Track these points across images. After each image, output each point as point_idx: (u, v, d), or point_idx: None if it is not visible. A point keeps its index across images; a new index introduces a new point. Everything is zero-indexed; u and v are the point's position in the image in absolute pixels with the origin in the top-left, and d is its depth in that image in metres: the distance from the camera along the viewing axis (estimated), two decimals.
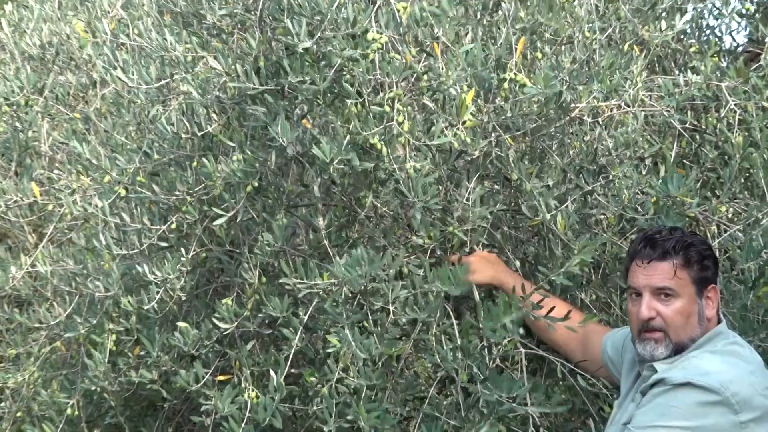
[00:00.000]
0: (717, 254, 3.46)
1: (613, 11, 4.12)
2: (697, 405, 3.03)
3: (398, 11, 3.53)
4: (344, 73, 3.59)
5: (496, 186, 4.19)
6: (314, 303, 3.82)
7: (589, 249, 3.45)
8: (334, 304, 3.70)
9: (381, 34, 3.46)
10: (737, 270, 3.91)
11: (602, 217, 4.07)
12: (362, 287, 3.70)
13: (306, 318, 3.83)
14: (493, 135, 3.80)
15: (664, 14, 4.32)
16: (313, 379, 3.91)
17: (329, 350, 3.70)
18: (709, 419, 3.03)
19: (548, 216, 3.78)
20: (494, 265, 3.94)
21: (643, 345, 3.30)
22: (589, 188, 4.00)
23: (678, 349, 3.25)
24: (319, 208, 3.91)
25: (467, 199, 3.82)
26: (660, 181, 3.73)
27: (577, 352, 3.86)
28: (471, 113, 3.54)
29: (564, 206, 3.86)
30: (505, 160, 3.86)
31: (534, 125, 3.80)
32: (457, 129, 3.50)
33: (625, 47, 4.25)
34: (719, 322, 3.33)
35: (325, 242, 3.88)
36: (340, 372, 3.71)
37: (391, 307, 3.66)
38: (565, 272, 3.52)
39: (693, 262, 3.26)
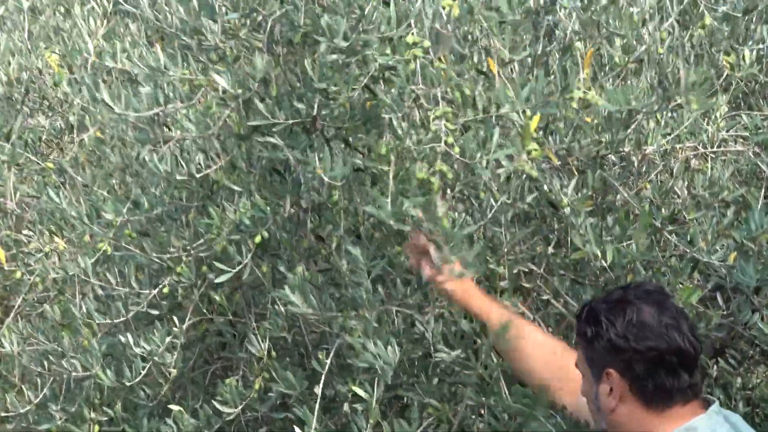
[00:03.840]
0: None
1: (699, 21, 3.94)
2: None
3: (443, 9, 3.33)
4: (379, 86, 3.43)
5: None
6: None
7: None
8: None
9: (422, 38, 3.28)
10: None
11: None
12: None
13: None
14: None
15: (750, 42, 4.14)
16: None
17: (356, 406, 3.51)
18: None
19: (597, 251, 3.61)
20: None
21: None
22: (658, 225, 3.84)
23: None
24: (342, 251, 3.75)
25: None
26: (744, 221, 3.59)
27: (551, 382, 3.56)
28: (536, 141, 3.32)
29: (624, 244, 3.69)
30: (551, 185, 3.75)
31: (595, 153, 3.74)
32: (523, 160, 3.26)
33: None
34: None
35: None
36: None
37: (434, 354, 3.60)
38: None
39: (584, 337, 3.05)
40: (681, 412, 2.92)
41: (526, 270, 4.00)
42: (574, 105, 3.37)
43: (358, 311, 3.56)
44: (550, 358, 3.44)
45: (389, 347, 3.39)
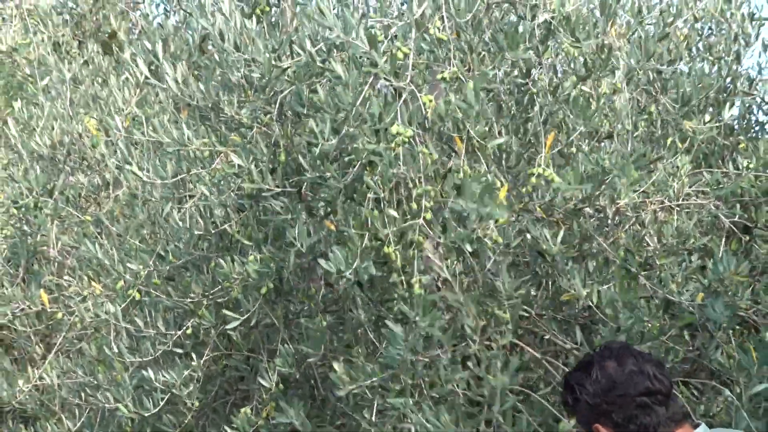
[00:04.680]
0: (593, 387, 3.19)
1: (653, 102, 4.23)
2: None
3: (424, 104, 3.65)
4: (366, 171, 3.71)
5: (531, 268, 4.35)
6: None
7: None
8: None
9: (406, 128, 3.58)
10: None
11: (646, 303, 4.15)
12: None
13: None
14: (526, 219, 4.00)
15: (709, 108, 4.42)
16: None
17: None
18: None
19: (584, 292, 3.90)
20: None
21: None
22: (634, 272, 4.09)
23: None
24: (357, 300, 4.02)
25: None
26: (712, 264, 3.86)
27: None
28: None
29: (605, 287, 3.99)
30: (539, 236, 3.98)
31: (572, 209, 3.99)
32: (488, 229, 3.60)
33: (668, 142, 4.37)
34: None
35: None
36: None
37: (459, 389, 3.75)
38: None
39: (567, 405, 3.20)
40: None
41: (526, 314, 4.24)
42: (533, 181, 3.71)
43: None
44: None
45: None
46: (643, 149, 4.10)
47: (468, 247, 3.63)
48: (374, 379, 3.72)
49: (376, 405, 3.84)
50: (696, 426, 3.12)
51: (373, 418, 3.85)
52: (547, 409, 3.98)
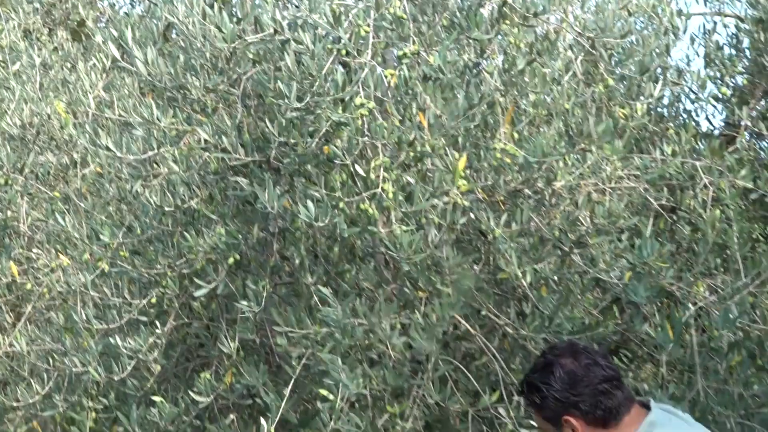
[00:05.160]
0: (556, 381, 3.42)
1: (600, 80, 4.44)
2: None
3: (386, 77, 3.90)
4: (330, 138, 3.97)
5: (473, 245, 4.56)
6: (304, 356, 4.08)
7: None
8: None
9: (368, 99, 3.83)
10: (714, 343, 4.22)
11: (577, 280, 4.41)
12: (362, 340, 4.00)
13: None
14: (470, 199, 4.18)
15: (641, 97, 4.67)
16: None
17: (324, 403, 3.95)
18: None
19: (518, 271, 4.13)
20: None
21: None
22: (567, 250, 4.35)
23: None
24: (306, 266, 4.22)
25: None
26: (637, 248, 4.10)
27: None
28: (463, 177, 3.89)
29: (539, 265, 4.24)
30: (483, 219, 4.21)
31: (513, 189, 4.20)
32: (453, 193, 3.83)
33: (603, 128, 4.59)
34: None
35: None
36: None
37: (392, 352, 3.97)
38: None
39: (534, 405, 3.43)
40: (631, 419, 3.34)
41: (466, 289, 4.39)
42: (498, 155, 3.95)
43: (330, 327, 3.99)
44: None
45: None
46: (579, 134, 4.34)
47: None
48: (310, 331, 3.96)
49: (305, 358, 4.07)
50: (642, 403, 3.42)
51: (298, 369, 4.07)
52: (479, 379, 4.24)
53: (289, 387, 4.10)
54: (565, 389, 3.35)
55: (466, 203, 4.00)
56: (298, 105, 3.82)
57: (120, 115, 4.20)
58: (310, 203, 3.84)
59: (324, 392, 3.92)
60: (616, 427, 3.37)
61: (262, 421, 3.97)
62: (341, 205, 3.89)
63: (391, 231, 3.89)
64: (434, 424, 4.33)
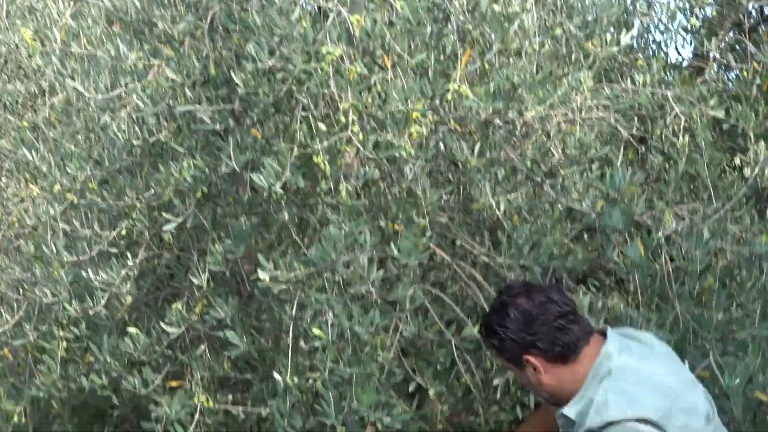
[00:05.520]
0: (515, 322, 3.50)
1: (559, 24, 4.42)
2: None
3: (352, 24, 3.88)
4: (295, 88, 3.93)
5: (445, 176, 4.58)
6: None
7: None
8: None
9: (335, 47, 3.81)
10: (688, 266, 4.22)
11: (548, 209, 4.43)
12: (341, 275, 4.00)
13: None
14: (440, 130, 4.22)
15: (610, 28, 4.64)
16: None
17: (316, 344, 3.95)
18: None
19: (492, 201, 4.17)
20: None
21: None
22: (539, 181, 4.38)
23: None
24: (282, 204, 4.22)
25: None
26: (609, 176, 4.13)
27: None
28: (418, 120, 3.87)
29: (512, 195, 4.29)
30: (455, 148, 4.23)
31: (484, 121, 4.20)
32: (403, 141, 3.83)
33: (572, 59, 4.58)
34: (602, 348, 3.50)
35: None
36: (331, 362, 3.93)
37: (372, 288, 3.97)
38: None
39: (494, 347, 3.52)
40: (590, 350, 3.41)
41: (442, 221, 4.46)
42: (449, 97, 3.94)
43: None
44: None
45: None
46: (549, 66, 4.32)
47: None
48: (297, 273, 3.92)
49: (297, 300, 4.04)
50: (602, 332, 3.48)
51: (293, 312, 4.07)
52: (453, 309, 4.25)
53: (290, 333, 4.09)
54: (520, 330, 3.42)
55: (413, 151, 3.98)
56: (270, 62, 3.81)
57: (86, 48, 4.15)
58: (268, 164, 3.82)
59: (317, 331, 3.92)
60: (576, 361, 3.42)
61: (276, 375, 4.02)
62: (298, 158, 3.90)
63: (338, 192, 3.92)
64: (408, 350, 4.34)
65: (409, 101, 3.85)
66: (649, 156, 4.68)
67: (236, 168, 3.99)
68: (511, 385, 4.44)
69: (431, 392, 4.24)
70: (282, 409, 3.99)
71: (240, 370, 4.42)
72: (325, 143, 3.86)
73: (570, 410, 3.39)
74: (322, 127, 3.89)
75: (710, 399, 3.47)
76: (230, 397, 4.55)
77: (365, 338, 3.92)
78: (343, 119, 3.84)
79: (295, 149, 3.84)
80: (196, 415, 4.15)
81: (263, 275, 3.94)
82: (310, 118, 3.93)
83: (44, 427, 5.03)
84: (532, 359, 3.43)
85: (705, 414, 3.36)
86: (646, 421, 3.20)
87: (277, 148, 3.91)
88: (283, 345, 4.31)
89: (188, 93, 4.03)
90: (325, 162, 3.85)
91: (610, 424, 3.22)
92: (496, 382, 4.24)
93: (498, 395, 4.29)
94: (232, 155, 3.96)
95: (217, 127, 4.07)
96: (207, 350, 4.44)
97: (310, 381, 4.04)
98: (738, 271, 4.32)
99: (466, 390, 4.38)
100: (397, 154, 3.95)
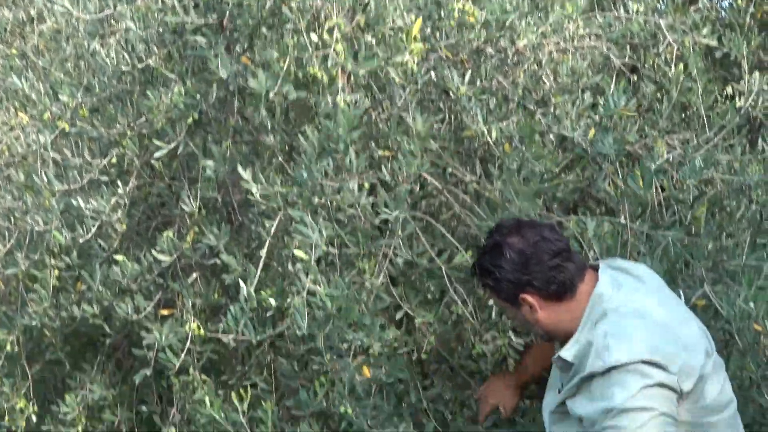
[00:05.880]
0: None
1: None
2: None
3: None
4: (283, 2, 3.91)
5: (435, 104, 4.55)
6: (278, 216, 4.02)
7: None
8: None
9: None
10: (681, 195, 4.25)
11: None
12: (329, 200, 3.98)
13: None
14: (433, 58, 4.20)
15: None
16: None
17: (298, 266, 3.91)
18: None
19: (484, 128, 4.12)
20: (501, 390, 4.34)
21: None
22: (531, 109, 4.38)
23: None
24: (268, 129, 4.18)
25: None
26: (602, 102, 4.14)
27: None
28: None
29: (503, 123, 4.24)
30: (446, 77, 4.20)
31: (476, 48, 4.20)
32: (404, 58, 3.79)
33: None
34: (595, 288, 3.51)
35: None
36: (311, 284, 3.88)
37: (359, 212, 3.98)
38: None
39: (489, 287, 3.54)
40: (585, 287, 3.44)
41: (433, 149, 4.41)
42: (456, 15, 3.91)
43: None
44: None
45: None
46: None
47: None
48: (282, 190, 3.92)
49: (278, 218, 4.01)
50: (595, 267, 3.51)
51: (272, 230, 4.02)
52: (444, 236, 4.23)
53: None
54: (516, 270, 3.44)
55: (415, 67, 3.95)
56: None
57: None
58: (260, 72, 3.78)
59: (299, 252, 3.86)
60: (571, 299, 3.45)
61: (241, 282, 3.95)
62: (291, 69, 3.84)
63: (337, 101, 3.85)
64: (398, 279, 4.33)
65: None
66: (641, 85, 4.64)
67: (225, 77, 3.96)
68: None
69: (417, 321, 4.22)
70: (238, 315, 3.95)
71: (231, 298, 4.40)
72: (320, 53, 3.81)
73: (567, 353, 3.41)
74: (314, 38, 3.84)
75: (707, 333, 3.48)
76: (221, 325, 4.53)
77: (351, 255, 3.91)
78: (327, 37, 3.80)
79: (287, 61, 3.79)
80: (187, 343, 4.14)
81: (254, 188, 3.92)
82: (302, 32, 3.87)
83: (36, 355, 5.01)
84: (528, 298, 3.45)
85: (704, 349, 3.36)
86: (648, 363, 3.21)
87: (269, 58, 3.87)
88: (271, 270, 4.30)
89: (179, 12, 3.98)
90: (322, 71, 3.80)
91: (613, 368, 3.23)
92: (491, 302, 4.22)
93: (493, 315, 4.29)
94: (220, 65, 3.91)
95: (206, 42, 4.02)
96: (198, 278, 4.42)
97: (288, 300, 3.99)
98: (728, 201, 4.31)
99: (457, 319, 4.36)
100: (392, 75, 3.93)
